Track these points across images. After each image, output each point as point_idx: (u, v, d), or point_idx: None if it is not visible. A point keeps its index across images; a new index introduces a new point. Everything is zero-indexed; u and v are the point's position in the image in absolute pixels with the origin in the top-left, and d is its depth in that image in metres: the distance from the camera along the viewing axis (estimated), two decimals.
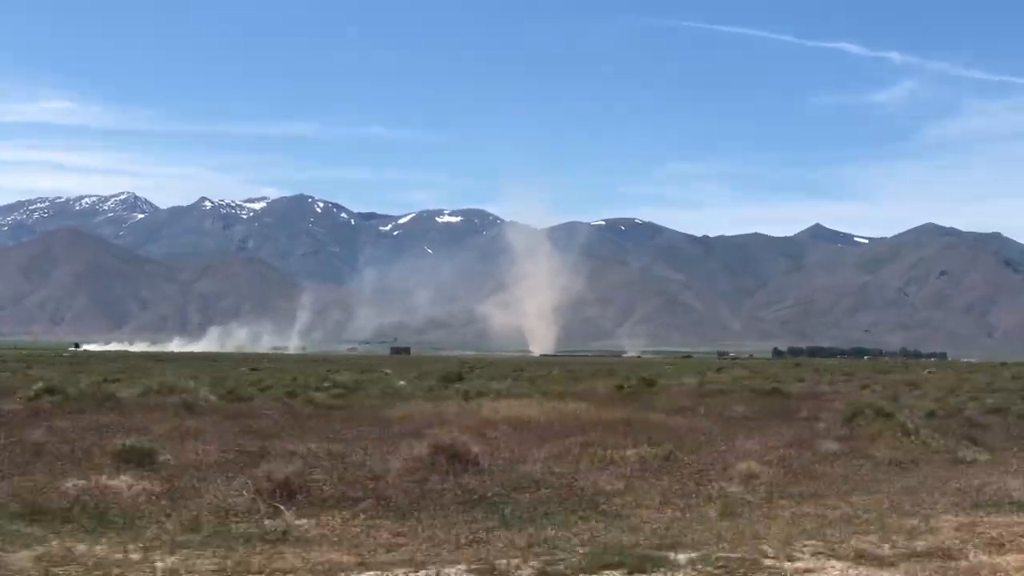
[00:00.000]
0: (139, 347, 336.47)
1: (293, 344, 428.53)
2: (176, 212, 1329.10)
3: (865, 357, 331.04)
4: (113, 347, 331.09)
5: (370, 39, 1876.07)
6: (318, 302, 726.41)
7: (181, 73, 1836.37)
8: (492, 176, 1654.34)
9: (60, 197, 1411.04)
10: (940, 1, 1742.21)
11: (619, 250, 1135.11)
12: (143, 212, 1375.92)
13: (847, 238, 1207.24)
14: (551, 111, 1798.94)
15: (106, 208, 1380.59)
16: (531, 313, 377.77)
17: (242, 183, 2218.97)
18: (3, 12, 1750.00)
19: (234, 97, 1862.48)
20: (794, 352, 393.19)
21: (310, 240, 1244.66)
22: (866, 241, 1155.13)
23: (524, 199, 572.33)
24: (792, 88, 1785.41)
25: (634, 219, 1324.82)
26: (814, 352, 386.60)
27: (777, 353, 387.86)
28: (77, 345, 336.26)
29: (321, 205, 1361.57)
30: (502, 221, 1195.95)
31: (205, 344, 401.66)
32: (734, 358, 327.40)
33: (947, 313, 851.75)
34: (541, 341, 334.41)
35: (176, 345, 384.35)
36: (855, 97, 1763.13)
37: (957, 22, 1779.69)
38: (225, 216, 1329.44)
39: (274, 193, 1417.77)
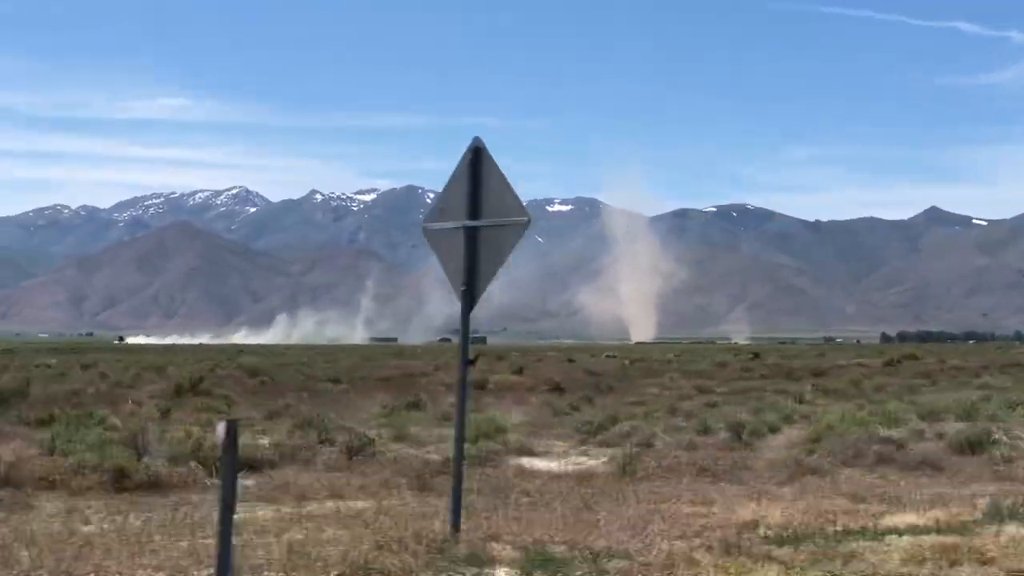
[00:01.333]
0: (199, 339, 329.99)
1: (359, 334, 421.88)
2: (287, 205, 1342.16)
3: (971, 342, 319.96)
4: (171, 339, 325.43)
5: (482, 30, 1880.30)
6: (385, 288, 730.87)
7: (294, 67, 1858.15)
8: (606, 165, 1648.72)
9: (174, 192, 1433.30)
10: None
11: (730, 236, 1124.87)
12: (255, 206, 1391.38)
13: (964, 220, 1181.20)
14: (667, 98, 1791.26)
15: (219, 203, 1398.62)
16: (631, 300, 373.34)
17: (354, 175, 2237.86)
18: (121, 11, 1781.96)
19: (345, 89, 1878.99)
20: (902, 337, 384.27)
21: (420, 231, 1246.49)
22: (984, 223, 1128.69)
23: (625, 185, 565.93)
24: (909, 69, 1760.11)
25: (746, 205, 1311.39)
26: (924, 337, 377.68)
27: (886, 338, 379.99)
28: (121, 338, 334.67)
29: (431, 196, 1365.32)
30: (612, 209, 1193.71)
31: (271, 335, 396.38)
32: (840, 343, 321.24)
33: None
34: (641, 328, 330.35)
35: (241, 336, 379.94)
36: (973, 77, 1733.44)
37: None
38: (336, 208, 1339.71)
39: (385, 185, 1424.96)
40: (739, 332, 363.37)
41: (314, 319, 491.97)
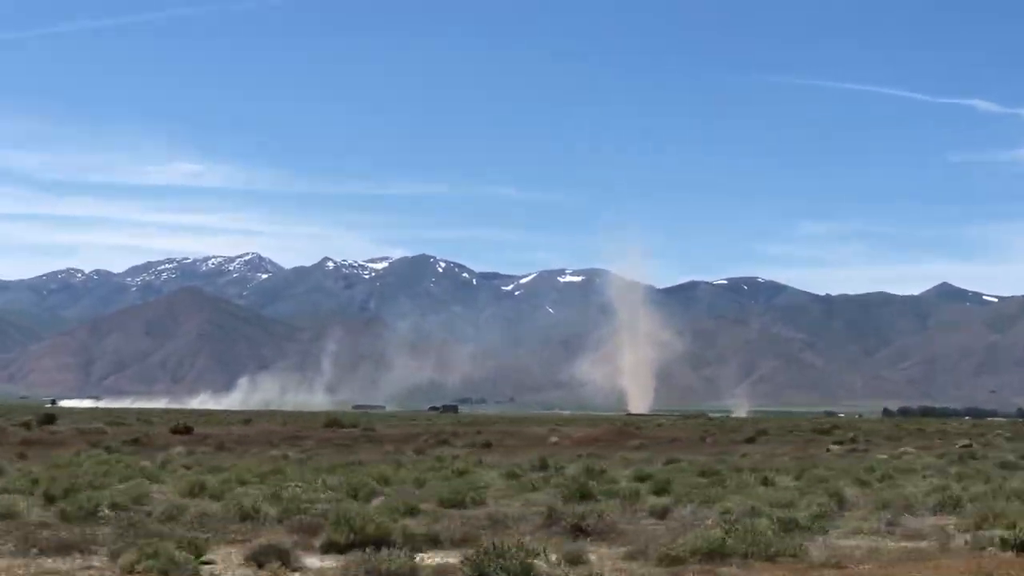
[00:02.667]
0: (159, 404, 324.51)
1: (318, 400, 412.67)
2: (299, 272, 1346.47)
3: (965, 417, 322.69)
4: (126, 403, 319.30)
5: (500, 100, 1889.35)
6: (344, 353, 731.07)
7: (310, 135, 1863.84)
8: (611, 235, 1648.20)
9: (187, 258, 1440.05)
10: None
11: (740, 309, 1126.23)
12: (267, 272, 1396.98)
13: (975, 297, 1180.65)
14: (681, 170, 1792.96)
15: (231, 269, 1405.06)
16: (629, 371, 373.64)
17: (367, 243, 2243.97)
18: (141, 77, 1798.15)
19: (362, 158, 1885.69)
20: (904, 412, 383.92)
21: (430, 300, 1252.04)
22: (995, 300, 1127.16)
23: (624, 255, 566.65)
24: (923, 146, 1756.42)
25: (757, 278, 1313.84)
26: (926, 412, 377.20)
27: (887, 412, 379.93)
28: (54, 401, 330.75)
29: (443, 265, 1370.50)
30: (622, 280, 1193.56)
31: (230, 400, 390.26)
32: (842, 416, 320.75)
33: None
34: (639, 400, 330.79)
35: (200, 401, 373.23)
36: (987, 154, 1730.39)
37: None
38: (347, 276, 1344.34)
39: (398, 253, 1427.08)
40: (740, 405, 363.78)
41: (277, 383, 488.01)
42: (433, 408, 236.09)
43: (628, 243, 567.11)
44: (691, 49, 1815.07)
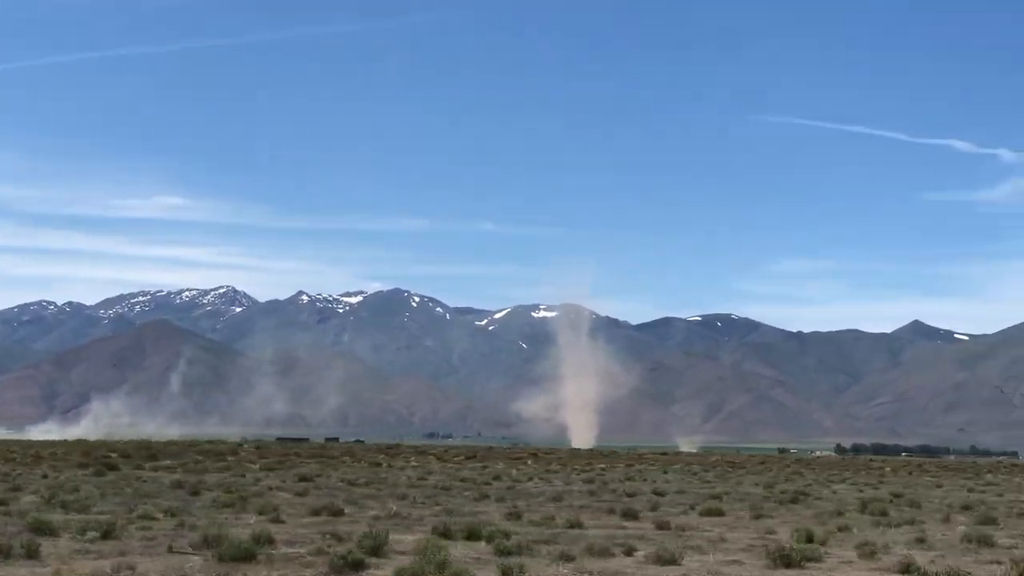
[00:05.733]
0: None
1: (154, 426, 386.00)
2: (273, 306, 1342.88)
3: (903, 454, 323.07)
4: None
5: (479, 135, 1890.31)
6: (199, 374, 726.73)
7: (290, 170, 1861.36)
8: (595, 272, 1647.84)
9: (161, 291, 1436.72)
10: None
11: (713, 345, 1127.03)
12: (241, 305, 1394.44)
13: (947, 335, 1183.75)
14: (659, 207, 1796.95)
15: (205, 302, 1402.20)
16: (572, 405, 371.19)
17: (343, 277, 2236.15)
18: (124, 111, 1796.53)
19: (341, 193, 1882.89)
20: (856, 450, 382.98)
21: (404, 334, 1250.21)
22: (966, 338, 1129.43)
23: (573, 289, 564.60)
24: (900, 185, 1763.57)
25: (731, 315, 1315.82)
26: (878, 450, 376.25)
27: (840, 450, 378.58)
28: None
29: (417, 299, 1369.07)
30: (597, 316, 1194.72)
31: (83, 428, 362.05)
32: (793, 453, 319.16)
33: None
34: (582, 434, 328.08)
35: (42, 431, 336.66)
36: (962, 194, 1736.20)
37: None
38: (321, 310, 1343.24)
39: (373, 287, 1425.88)
40: (690, 441, 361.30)
41: (126, 408, 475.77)
42: (282, 439, 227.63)
43: (571, 276, 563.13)
44: (671, 87, 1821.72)
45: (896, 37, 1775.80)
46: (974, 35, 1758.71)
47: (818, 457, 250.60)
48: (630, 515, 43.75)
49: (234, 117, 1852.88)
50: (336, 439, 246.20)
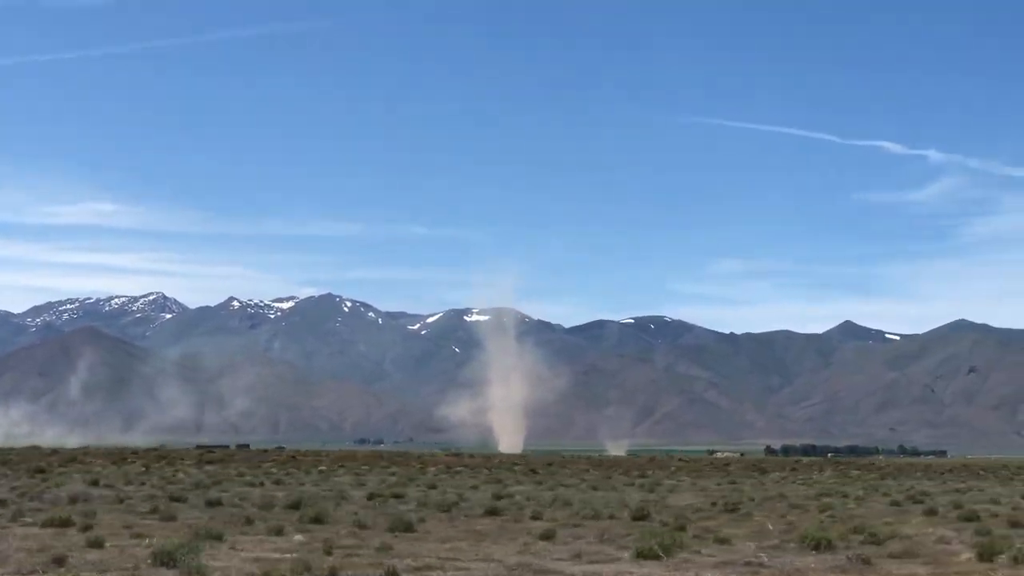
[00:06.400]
0: None
1: (51, 434, 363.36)
2: (203, 312, 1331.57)
3: (828, 454, 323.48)
4: None
5: (413, 136, 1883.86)
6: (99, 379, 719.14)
7: (222, 176, 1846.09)
8: (528, 275, 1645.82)
9: (90, 298, 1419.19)
10: (980, 100, 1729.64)
11: (645, 347, 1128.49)
12: (171, 312, 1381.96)
13: (878, 335, 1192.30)
14: (591, 209, 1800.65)
15: (135, 308, 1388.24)
16: (497, 408, 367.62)
17: (274, 283, 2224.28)
18: (51, 119, 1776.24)
19: (276, 198, 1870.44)
20: (786, 451, 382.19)
21: (336, 340, 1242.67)
22: (897, 338, 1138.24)
23: (497, 292, 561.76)
24: (830, 185, 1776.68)
25: (663, 317, 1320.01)
26: (807, 451, 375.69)
27: (770, 451, 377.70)
28: None
29: (349, 304, 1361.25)
30: (530, 319, 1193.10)
31: None
32: (719, 454, 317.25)
33: (976, 411, 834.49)
34: (509, 438, 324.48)
35: None
36: (892, 195, 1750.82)
37: (996, 121, 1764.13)
38: (252, 316, 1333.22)
39: (305, 293, 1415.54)
40: (619, 444, 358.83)
41: (25, 416, 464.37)
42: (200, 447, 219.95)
43: (496, 278, 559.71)
44: (600, 87, 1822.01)
45: (827, 39, 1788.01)
46: (905, 37, 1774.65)
47: (720, 458, 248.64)
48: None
49: (165, 120, 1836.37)
50: (247, 445, 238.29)
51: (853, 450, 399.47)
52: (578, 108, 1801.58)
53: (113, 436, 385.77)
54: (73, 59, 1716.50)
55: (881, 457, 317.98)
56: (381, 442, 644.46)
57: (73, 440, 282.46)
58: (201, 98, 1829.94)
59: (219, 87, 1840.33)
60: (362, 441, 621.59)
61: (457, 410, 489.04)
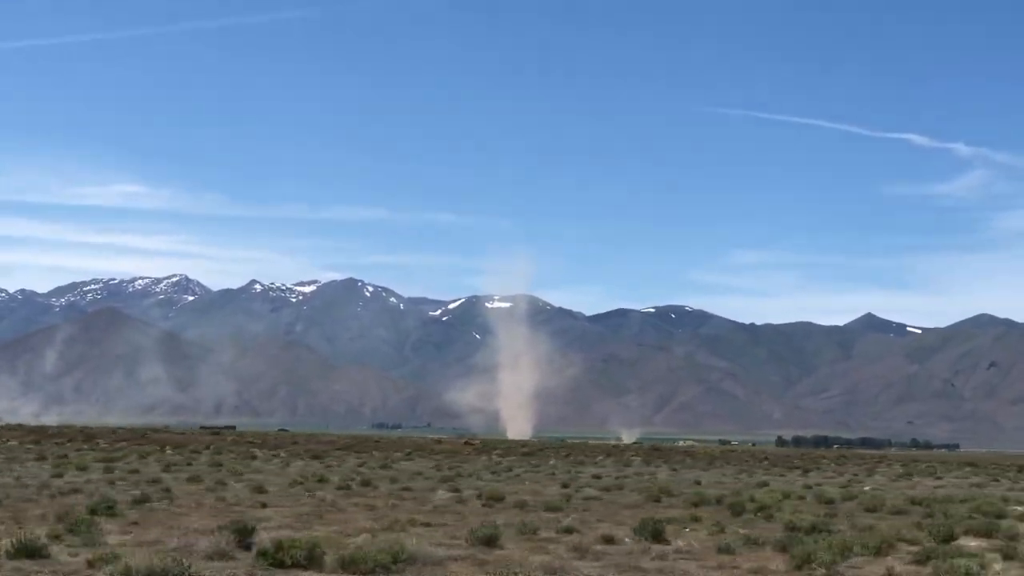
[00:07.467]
0: None
1: (27, 412, 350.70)
2: (226, 295, 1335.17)
3: (834, 446, 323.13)
4: None
5: (438, 124, 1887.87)
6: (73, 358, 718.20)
7: (249, 159, 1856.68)
8: (552, 263, 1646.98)
9: (114, 279, 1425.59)
10: (1009, 94, 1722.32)
11: (666, 337, 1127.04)
12: (194, 294, 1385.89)
13: (899, 328, 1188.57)
14: (616, 198, 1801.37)
15: (158, 290, 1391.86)
16: (506, 395, 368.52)
17: (297, 267, 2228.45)
18: (82, 100, 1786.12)
19: (300, 183, 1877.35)
20: (798, 442, 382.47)
21: (357, 324, 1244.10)
22: (919, 331, 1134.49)
23: (511, 278, 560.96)
24: (857, 178, 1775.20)
25: (684, 307, 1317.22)
26: (819, 442, 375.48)
27: (781, 442, 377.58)
28: None
29: (371, 289, 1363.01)
30: (551, 307, 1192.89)
31: None
32: (734, 445, 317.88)
33: (995, 405, 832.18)
34: (518, 424, 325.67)
35: None
36: (918, 187, 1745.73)
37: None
38: (274, 299, 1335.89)
39: (327, 277, 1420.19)
40: (630, 432, 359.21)
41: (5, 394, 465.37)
42: (204, 427, 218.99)
43: (509, 264, 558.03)
44: (627, 76, 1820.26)
45: (856, 31, 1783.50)
46: (934, 31, 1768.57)
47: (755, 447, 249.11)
48: None
49: (193, 104, 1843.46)
50: (233, 427, 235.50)
51: (866, 442, 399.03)
52: (605, 98, 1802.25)
53: (93, 416, 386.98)
54: (105, 40, 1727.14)
55: (893, 450, 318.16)
56: (399, 427, 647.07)
57: (49, 419, 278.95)
58: (229, 82, 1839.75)
59: (247, 71, 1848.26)
60: (380, 425, 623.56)
61: (465, 396, 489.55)
